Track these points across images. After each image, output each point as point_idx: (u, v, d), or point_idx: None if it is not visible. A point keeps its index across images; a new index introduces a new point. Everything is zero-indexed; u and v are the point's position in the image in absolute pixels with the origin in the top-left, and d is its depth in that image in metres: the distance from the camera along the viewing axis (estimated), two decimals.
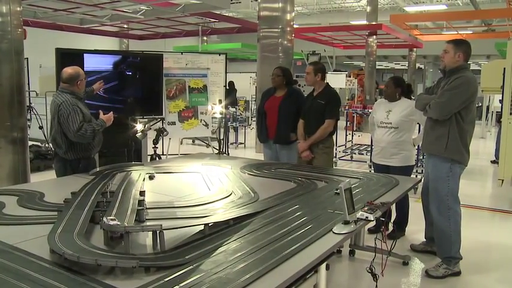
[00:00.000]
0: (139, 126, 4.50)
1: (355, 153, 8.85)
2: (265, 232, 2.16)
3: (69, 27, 14.01)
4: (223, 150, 7.59)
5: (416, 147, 4.84)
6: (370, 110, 5.08)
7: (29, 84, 8.50)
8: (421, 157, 7.03)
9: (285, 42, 8.95)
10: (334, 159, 7.59)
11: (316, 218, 2.39)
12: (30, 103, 7.92)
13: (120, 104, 5.52)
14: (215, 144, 8.26)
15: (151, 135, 5.19)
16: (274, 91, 4.80)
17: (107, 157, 4.80)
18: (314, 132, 4.36)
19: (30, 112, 7.54)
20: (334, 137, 4.63)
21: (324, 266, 2.10)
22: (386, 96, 4.43)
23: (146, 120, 5.41)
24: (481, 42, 14.20)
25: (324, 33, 15.84)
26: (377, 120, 4.40)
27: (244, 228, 2.22)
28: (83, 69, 3.86)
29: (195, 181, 3.37)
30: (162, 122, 7.00)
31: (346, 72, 15.88)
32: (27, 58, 6.97)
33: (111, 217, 2.04)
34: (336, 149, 7.42)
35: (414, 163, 4.53)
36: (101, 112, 3.77)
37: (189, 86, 7.50)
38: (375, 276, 2.85)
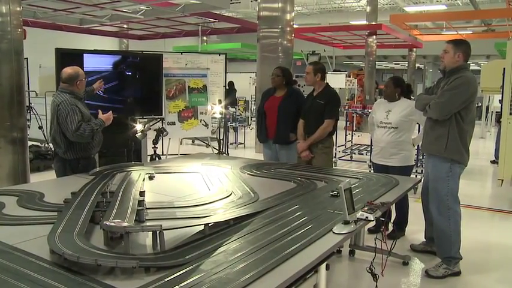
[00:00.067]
0: (139, 127, 4.50)
1: (354, 153, 8.85)
2: (265, 232, 2.16)
3: (68, 27, 14.01)
4: (223, 150, 7.59)
5: (416, 147, 4.84)
6: (369, 110, 5.09)
7: (28, 84, 8.49)
8: (421, 157, 7.03)
9: (285, 42, 8.95)
10: (334, 159, 7.58)
11: (316, 218, 2.39)
12: (29, 103, 7.91)
13: (119, 104, 5.52)
14: (215, 144, 8.26)
15: (151, 135, 5.18)
16: (274, 91, 4.80)
17: (107, 157, 4.79)
18: (314, 132, 4.36)
19: (29, 112, 7.54)
20: (334, 137, 4.63)
21: (324, 266, 2.10)
22: (386, 96, 4.43)
23: (146, 120, 5.41)
24: (481, 42, 14.20)
25: (323, 33, 15.84)
26: (376, 120, 4.40)
27: (244, 228, 2.21)
28: (83, 69, 3.86)
29: (195, 181, 3.37)
30: (162, 122, 7.00)
31: (346, 72, 15.89)
32: (27, 58, 6.99)
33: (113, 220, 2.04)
34: (335, 149, 7.42)
35: (414, 163, 4.53)
36: (100, 111, 3.77)
37: (188, 86, 7.50)
38: (374, 276, 2.85)
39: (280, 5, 8.86)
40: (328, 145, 4.46)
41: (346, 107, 10.70)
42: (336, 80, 13.16)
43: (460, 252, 3.66)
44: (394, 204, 3.64)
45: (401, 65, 26.23)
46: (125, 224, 1.97)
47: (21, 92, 4.71)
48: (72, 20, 13.34)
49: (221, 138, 6.90)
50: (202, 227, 2.16)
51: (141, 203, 2.42)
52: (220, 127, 6.52)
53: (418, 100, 3.71)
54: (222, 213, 2.47)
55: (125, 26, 15.51)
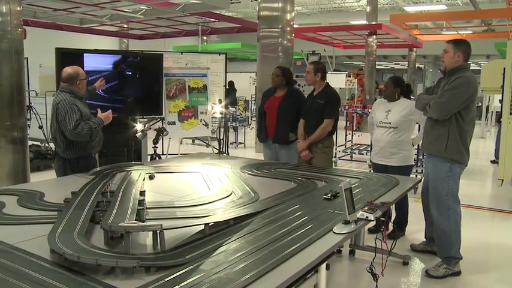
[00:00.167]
0: (139, 126, 4.50)
1: (355, 153, 8.85)
2: (265, 232, 2.16)
3: (69, 26, 14.01)
4: (223, 150, 7.59)
5: (415, 147, 4.84)
6: (369, 110, 5.08)
7: (28, 84, 8.50)
8: (421, 157, 7.03)
9: (285, 42, 8.95)
10: (334, 159, 7.58)
11: (316, 218, 2.39)
12: (30, 103, 7.91)
13: (120, 104, 5.53)
14: (215, 144, 8.26)
15: (151, 135, 5.18)
16: (274, 91, 4.80)
17: (107, 157, 4.80)
18: (314, 132, 4.36)
19: (30, 112, 7.53)
20: (334, 136, 4.63)
21: (324, 266, 2.10)
22: (386, 96, 4.43)
23: (146, 120, 5.40)
24: (481, 42, 14.19)
25: (323, 33, 15.84)
26: (376, 120, 4.40)
27: (244, 228, 2.21)
28: (83, 69, 3.86)
29: (195, 181, 3.37)
30: (162, 121, 7.00)
31: (346, 72, 15.89)
32: (27, 58, 6.98)
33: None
34: (335, 149, 7.42)
35: (413, 163, 4.53)
36: (99, 110, 3.77)
37: (189, 86, 7.50)
38: (375, 276, 2.85)
39: (280, 4, 8.86)
40: (328, 145, 4.46)
41: (346, 107, 10.70)
42: (336, 80, 13.16)
43: (460, 252, 3.66)
44: (394, 204, 3.64)
45: (402, 65, 26.22)
46: (142, 224, 1.99)
47: (22, 92, 4.71)
48: (72, 19, 13.34)
49: (221, 138, 6.91)
50: (202, 227, 2.15)
51: (141, 202, 2.42)
52: (220, 127, 6.53)
53: (419, 100, 3.71)
54: (222, 213, 2.47)
55: (125, 26, 15.51)
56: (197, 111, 7.58)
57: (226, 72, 8.07)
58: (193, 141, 10.94)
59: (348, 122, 11.27)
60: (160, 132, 4.95)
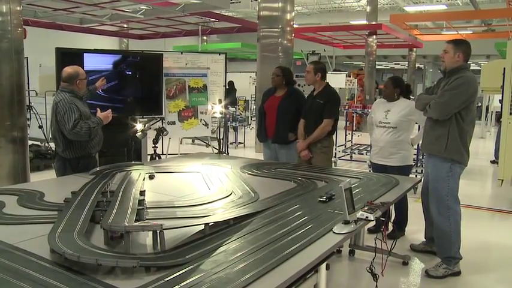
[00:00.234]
0: (139, 126, 4.49)
1: (354, 153, 8.85)
2: (265, 232, 2.16)
3: (69, 26, 14.01)
4: (223, 150, 7.59)
5: (415, 146, 4.84)
6: (369, 110, 5.08)
7: (28, 83, 8.50)
8: (421, 157, 7.03)
9: (285, 42, 8.95)
10: (333, 159, 7.59)
11: (316, 218, 2.39)
12: (30, 102, 7.91)
13: (120, 104, 5.52)
14: (215, 143, 8.27)
15: (151, 134, 5.18)
16: (274, 91, 4.80)
17: (107, 157, 4.79)
18: (313, 132, 4.36)
19: (30, 111, 7.53)
20: (333, 136, 4.63)
21: (324, 265, 2.10)
22: (385, 96, 4.43)
23: (146, 119, 5.40)
24: (481, 42, 14.20)
25: (323, 33, 15.85)
26: (375, 120, 4.40)
27: (244, 228, 2.21)
28: (83, 69, 3.86)
29: (195, 181, 3.37)
30: (162, 121, 7.00)
31: (346, 72, 15.89)
32: (27, 57, 6.99)
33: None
34: (335, 149, 7.42)
35: (412, 163, 4.53)
36: (98, 110, 3.78)
37: (189, 86, 7.50)
38: (375, 276, 2.85)
39: (280, 4, 8.86)
40: (327, 145, 4.46)
41: (346, 107, 10.70)
42: (336, 80, 13.16)
43: (460, 252, 3.66)
44: (393, 205, 3.64)
45: (402, 65, 26.23)
46: (156, 223, 2.00)
47: (22, 92, 4.71)
48: (72, 19, 13.34)
49: (221, 137, 6.90)
50: (202, 227, 2.15)
51: (141, 202, 2.42)
52: (220, 127, 6.53)
53: (419, 100, 3.71)
54: (222, 212, 2.47)
55: (125, 26, 15.51)
56: (197, 111, 7.58)
57: (226, 72, 8.07)
58: (193, 141, 10.94)
59: (348, 122, 11.27)
60: (160, 132, 4.95)
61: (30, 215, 2.43)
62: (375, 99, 9.34)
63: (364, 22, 15.38)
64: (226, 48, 16.66)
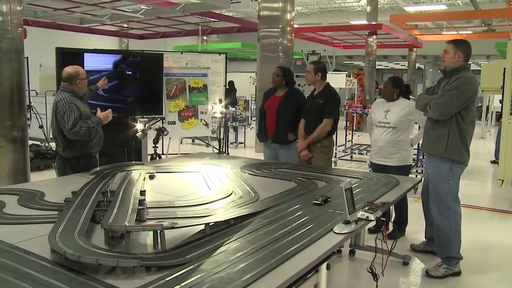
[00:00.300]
0: (139, 126, 4.50)
1: (354, 153, 8.85)
2: (265, 232, 2.16)
3: (69, 26, 14.02)
4: (223, 150, 7.59)
5: (415, 146, 4.84)
6: (369, 110, 5.09)
7: (29, 83, 8.49)
8: (421, 157, 7.03)
9: (285, 41, 8.95)
10: (334, 159, 7.59)
11: (316, 218, 2.39)
12: (30, 102, 7.91)
13: (120, 104, 5.52)
14: (215, 143, 8.27)
15: (152, 134, 5.19)
16: (275, 91, 4.80)
17: (107, 156, 4.80)
18: (313, 132, 4.36)
19: (30, 111, 7.54)
20: (334, 136, 4.62)
21: (324, 265, 2.10)
22: (385, 96, 4.44)
23: (146, 119, 5.40)
24: (481, 42, 14.21)
25: (324, 33, 15.85)
26: (375, 120, 4.40)
27: (244, 228, 2.22)
28: (84, 69, 3.86)
29: (196, 181, 3.37)
30: (162, 121, 7.01)
31: (346, 72, 15.89)
32: (27, 57, 6.98)
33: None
34: (335, 149, 7.41)
35: (412, 163, 4.53)
36: (98, 110, 3.78)
37: (189, 86, 7.50)
38: (375, 276, 2.85)
39: (280, 4, 8.86)
40: (327, 145, 4.46)
41: (346, 107, 10.70)
42: (336, 80, 13.16)
43: (460, 252, 3.66)
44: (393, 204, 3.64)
45: (402, 65, 26.23)
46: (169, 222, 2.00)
47: (22, 91, 4.71)
48: (72, 19, 13.35)
49: (221, 137, 6.90)
50: (202, 227, 2.15)
51: (141, 202, 2.41)
52: (220, 127, 6.53)
53: (419, 100, 3.71)
54: (222, 212, 2.47)
55: (125, 26, 15.52)
56: (197, 111, 7.59)
57: (226, 72, 8.07)
58: (193, 141, 10.95)
59: (348, 122, 11.27)
60: (161, 132, 4.96)
61: (30, 214, 2.43)
62: (375, 99, 9.36)
63: (364, 22, 15.38)
64: (227, 48, 16.65)
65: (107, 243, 1.99)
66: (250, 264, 1.76)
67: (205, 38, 19.52)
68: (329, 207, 2.61)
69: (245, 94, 14.11)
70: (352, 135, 10.24)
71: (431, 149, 3.68)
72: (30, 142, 5.91)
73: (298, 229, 2.20)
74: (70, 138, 3.60)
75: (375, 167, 4.42)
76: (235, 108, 11.48)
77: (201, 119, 7.62)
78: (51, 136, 3.98)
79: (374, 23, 14.65)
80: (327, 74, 4.63)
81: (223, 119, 7.52)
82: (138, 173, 3.33)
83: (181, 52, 8.25)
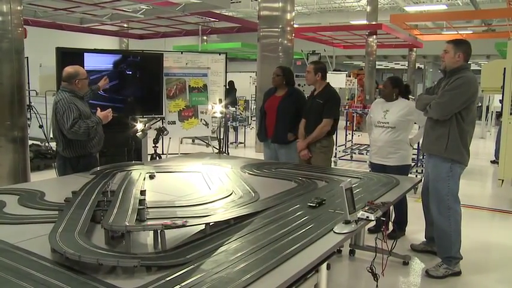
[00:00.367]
0: (139, 126, 4.50)
1: (355, 153, 8.85)
2: (265, 232, 2.16)
3: (69, 26, 14.02)
4: (223, 150, 7.60)
5: (415, 146, 4.84)
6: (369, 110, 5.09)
7: (29, 83, 8.49)
8: (421, 157, 7.03)
9: (285, 41, 8.96)
10: (334, 158, 7.59)
11: (316, 218, 2.39)
12: (30, 102, 7.92)
13: (120, 103, 5.52)
14: (215, 143, 8.27)
15: (152, 134, 5.19)
16: (275, 91, 4.81)
17: (107, 156, 4.80)
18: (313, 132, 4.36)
19: (30, 111, 7.54)
20: (334, 136, 4.62)
21: (324, 265, 2.10)
22: (384, 96, 4.44)
23: (146, 119, 5.40)
24: (481, 42, 14.21)
25: (324, 33, 15.85)
26: (374, 120, 4.40)
27: (244, 227, 2.22)
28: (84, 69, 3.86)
29: (196, 180, 3.37)
30: (162, 121, 7.00)
31: (346, 72, 15.89)
32: (27, 57, 6.98)
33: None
34: (335, 149, 7.41)
35: (411, 162, 4.53)
36: (98, 109, 3.78)
37: (189, 86, 7.50)
38: (375, 276, 2.85)
39: (280, 4, 8.87)
40: (327, 144, 4.46)
41: (346, 107, 10.70)
42: (336, 80, 13.16)
43: (460, 252, 3.66)
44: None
45: (402, 65, 26.23)
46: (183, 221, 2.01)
47: (22, 91, 4.72)
48: (72, 19, 13.35)
49: (221, 137, 6.91)
50: (203, 227, 2.16)
51: (142, 202, 2.42)
52: (220, 126, 6.53)
53: (419, 100, 3.71)
54: (222, 212, 2.47)
55: (125, 25, 15.52)
56: (197, 110, 7.59)
57: (226, 72, 8.07)
58: (193, 140, 10.95)
59: (348, 122, 11.27)
60: (161, 132, 4.96)
61: (31, 214, 2.43)
62: (375, 99, 9.37)
63: (364, 22, 15.38)
64: (227, 48, 16.65)
65: (107, 243, 2.00)
66: (251, 264, 1.76)
67: (205, 38, 19.52)
68: (327, 207, 2.61)
69: (245, 94, 14.11)
70: (352, 135, 10.24)
71: (431, 149, 3.68)
72: (30, 142, 5.91)
73: (298, 229, 2.20)
74: (70, 138, 3.60)
75: (374, 167, 4.43)
76: (235, 108, 11.48)
77: (201, 119, 7.62)
78: (51, 136, 3.98)
79: (374, 23, 14.66)
80: (327, 74, 4.63)
81: (223, 119, 7.53)
82: (138, 173, 3.33)
83: (182, 52, 8.25)
